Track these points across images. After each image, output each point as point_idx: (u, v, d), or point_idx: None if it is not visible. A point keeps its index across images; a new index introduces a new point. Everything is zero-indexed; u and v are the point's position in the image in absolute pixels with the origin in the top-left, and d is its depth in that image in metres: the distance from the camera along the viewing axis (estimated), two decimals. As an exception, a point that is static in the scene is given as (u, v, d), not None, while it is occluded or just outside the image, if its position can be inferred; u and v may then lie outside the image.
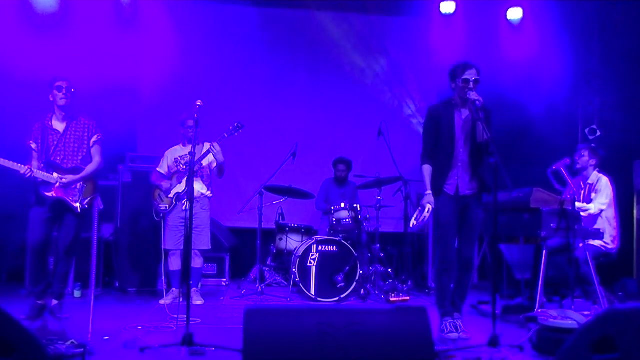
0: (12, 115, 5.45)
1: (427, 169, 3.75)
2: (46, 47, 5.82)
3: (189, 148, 4.73)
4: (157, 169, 5.03)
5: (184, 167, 4.85)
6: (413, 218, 3.74)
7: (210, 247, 4.99)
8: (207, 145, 4.79)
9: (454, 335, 3.60)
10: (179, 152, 5.00)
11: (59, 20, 6.04)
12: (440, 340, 3.51)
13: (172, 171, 4.95)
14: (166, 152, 5.06)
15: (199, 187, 4.86)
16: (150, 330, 3.69)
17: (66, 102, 4.10)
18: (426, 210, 3.62)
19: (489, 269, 5.67)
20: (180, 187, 4.83)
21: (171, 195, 4.86)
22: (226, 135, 4.63)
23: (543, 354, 3.20)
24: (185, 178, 4.68)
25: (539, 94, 6.51)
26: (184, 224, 4.72)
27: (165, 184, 4.90)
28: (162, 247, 4.80)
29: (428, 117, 3.77)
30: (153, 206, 4.94)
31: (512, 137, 6.78)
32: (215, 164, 4.85)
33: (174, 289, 4.84)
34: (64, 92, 4.08)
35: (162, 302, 4.68)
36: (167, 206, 4.84)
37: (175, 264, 4.86)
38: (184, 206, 4.72)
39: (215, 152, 4.64)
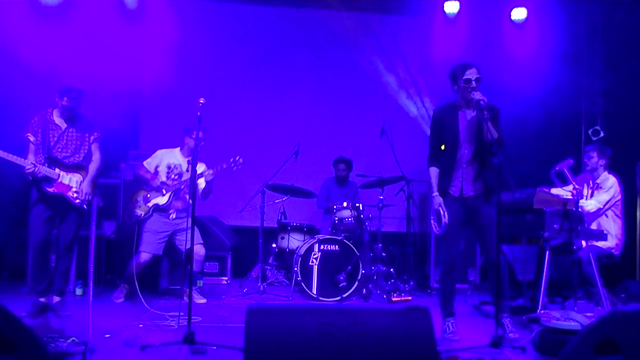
0: (13, 110, 5.44)
1: (433, 171, 3.78)
2: (49, 44, 5.81)
3: (185, 160, 4.73)
4: (144, 163, 4.85)
5: (176, 178, 4.75)
6: (433, 223, 3.76)
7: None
8: (202, 166, 4.73)
9: (456, 336, 3.61)
10: (175, 158, 4.83)
11: (62, 16, 6.03)
12: (442, 341, 3.51)
13: (159, 175, 4.77)
14: (159, 152, 4.87)
15: (183, 202, 4.78)
16: (152, 329, 3.69)
17: (75, 107, 4.09)
18: (442, 213, 3.64)
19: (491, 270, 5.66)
20: (162, 200, 4.70)
21: (150, 204, 4.72)
22: (224, 166, 4.62)
23: (545, 355, 3.19)
24: (171, 193, 4.70)
25: (542, 94, 6.49)
26: (166, 232, 4.71)
27: (155, 182, 4.70)
28: (139, 248, 4.65)
29: (432, 120, 3.84)
30: (126, 209, 4.80)
31: (515, 138, 6.76)
32: (203, 186, 4.77)
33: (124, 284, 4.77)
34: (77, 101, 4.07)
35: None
36: (143, 213, 4.70)
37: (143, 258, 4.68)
38: (171, 216, 4.72)
39: (209, 177, 4.65)
